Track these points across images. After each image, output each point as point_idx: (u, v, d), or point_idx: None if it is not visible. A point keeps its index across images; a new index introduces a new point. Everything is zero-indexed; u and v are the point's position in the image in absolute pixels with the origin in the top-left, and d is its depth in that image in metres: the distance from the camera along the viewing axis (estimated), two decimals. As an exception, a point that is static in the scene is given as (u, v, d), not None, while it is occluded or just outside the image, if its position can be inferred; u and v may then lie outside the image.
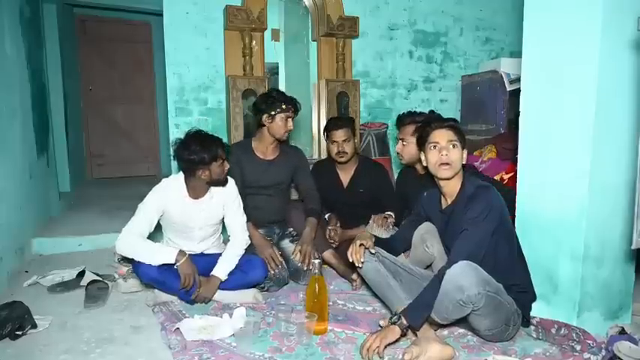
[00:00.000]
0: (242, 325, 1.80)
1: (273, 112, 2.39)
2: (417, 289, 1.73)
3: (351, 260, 1.84)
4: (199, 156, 2.01)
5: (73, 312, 2.01)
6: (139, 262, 1.99)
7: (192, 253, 2.16)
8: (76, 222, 3.39)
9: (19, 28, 2.92)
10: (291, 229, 2.57)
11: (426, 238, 1.92)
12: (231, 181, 2.23)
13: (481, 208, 1.65)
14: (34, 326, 1.81)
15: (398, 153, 2.42)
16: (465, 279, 1.51)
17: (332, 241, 2.59)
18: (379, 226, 2.50)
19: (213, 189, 2.17)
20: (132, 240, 2.00)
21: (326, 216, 2.70)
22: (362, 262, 1.82)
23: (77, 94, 5.37)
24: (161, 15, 3.19)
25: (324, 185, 2.70)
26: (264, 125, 2.44)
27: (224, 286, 2.11)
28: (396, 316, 1.63)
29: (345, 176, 2.75)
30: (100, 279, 2.29)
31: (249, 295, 2.13)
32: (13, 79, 2.76)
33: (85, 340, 1.76)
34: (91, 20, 5.57)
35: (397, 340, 1.64)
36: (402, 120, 2.40)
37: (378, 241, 1.93)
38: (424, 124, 1.88)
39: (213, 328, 1.78)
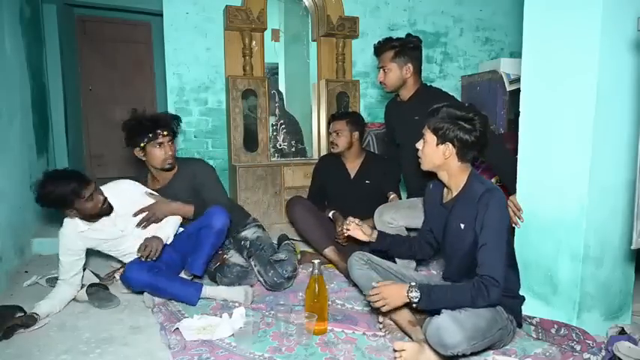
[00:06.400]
0: (241, 325, 1.80)
1: (142, 144, 2.17)
2: None
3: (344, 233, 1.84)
4: (58, 199, 1.84)
5: (73, 312, 2.02)
6: (126, 270, 2.01)
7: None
8: (75, 222, 3.38)
9: (19, 28, 2.93)
10: (245, 238, 2.44)
11: (386, 217, 1.88)
12: (127, 187, 2.19)
13: (499, 215, 1.58)
14: (27, 326, 1.80)
15: (381, 82, 2.32)
16: (448, 338, 1.42)
17: (344, 242, 2.54)
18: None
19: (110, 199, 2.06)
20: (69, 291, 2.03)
21: (330, 214, 2.68)
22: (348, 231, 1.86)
23: (77, 94, 5.37)
24: (161, 15, 3.19)
25: (331, 177, 2.76)
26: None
27: (200, 245, 2.11)
28: (415, 285, 1.58)
29: (352, 168, 2.77)
30: (99, 281, 2.28)
31: (240, 291, 2.11)
32: (13, 79, 2.76)
33: (85, 340, 1.76)
34: (91, 20, 5.57)
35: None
36: (380, 48, 2.28)
37: (377, 253, 1.91)
38: None
39: (213, 328, 1.78)
